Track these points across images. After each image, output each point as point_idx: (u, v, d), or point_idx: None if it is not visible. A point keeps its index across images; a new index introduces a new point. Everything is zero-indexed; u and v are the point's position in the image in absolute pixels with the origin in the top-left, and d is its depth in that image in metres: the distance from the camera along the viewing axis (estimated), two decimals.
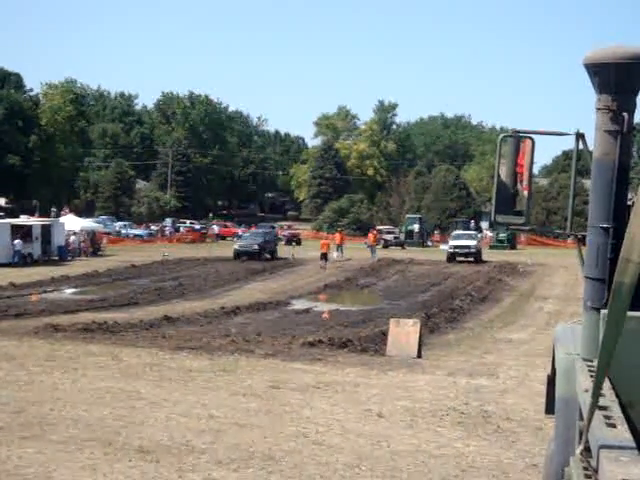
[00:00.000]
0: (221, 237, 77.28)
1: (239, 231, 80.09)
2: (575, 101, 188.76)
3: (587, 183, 5.43)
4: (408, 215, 77.98)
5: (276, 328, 23.08)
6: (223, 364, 16.23)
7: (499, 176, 5.42)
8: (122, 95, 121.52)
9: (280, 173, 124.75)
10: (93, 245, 55.24)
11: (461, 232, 59.27)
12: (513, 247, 66.23)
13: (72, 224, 55.16)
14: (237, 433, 10.77)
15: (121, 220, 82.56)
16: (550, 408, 5.60)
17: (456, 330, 24.14)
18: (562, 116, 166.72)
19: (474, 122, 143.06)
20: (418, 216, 75.75)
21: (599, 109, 4.86)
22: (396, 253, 59.17)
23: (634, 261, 2.72)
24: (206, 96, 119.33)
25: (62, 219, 57.03)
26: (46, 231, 48.36)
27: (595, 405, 3.07)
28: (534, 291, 36.57)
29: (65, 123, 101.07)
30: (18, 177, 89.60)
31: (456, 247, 52.55)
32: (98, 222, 69.66)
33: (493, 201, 5.44)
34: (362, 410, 12.36)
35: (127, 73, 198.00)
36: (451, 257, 51.90)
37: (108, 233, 67.72)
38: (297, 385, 14.22)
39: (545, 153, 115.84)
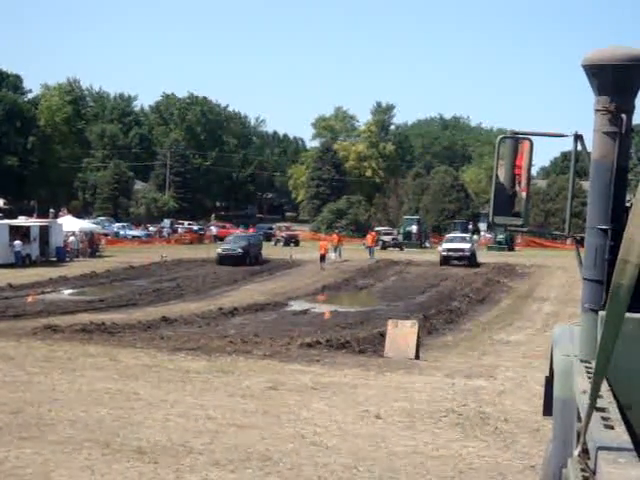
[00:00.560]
0: (219, 238, 77.14)
1: (238, 232, 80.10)
2: (574, 102, 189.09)
3: (585, 184, 5.43)
4: (406, 216, 77.96)
5: (274, 329, 23.08)
6: (221, 365, 16.23)
7: (497, 177, 5.42)
8: (121, 97, 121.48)
9: (278, 174, 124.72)
10: (91, 246, 55.20)
11: (454, 235, 56.86)
12: (511, 249, 66.20)
13: (70, 225, 55.12)
14: (235, 434, 10.77)
15: (119, 221, 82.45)
16: (548, 409, 5.60)
17: (454, 331, 24.14)
18: (561, 117, 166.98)
19: (472, 124, 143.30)
20: (416, 217, 75.73)
21: (598, 110, 4.86)
22: (394, 254, 59.16)
23: (632, 262, 2.72)
24: (204, 97, 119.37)
25: (60, 220, 56.95)
26: (44, 232, 48.33)
27: (593, 407, 3.07)
28: (532, 292, 36.58)
29: (63, 124, 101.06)
30: (16, 178, 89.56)
31: (449, 250, 50.55)
32: (96, 223, 69.61)
33: (491, 202, 5.44)
34: (360, 411, 12.36)
35: (125, 75, 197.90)
36: (444, 260, 49.71)
37: (106, 234, 67.65)
38: (295, 386, 14.22)
39: (543, 154, 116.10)
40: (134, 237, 74.24)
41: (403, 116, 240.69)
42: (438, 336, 22.96)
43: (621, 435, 2.97)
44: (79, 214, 76.62)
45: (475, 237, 73.28)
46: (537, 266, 48.62)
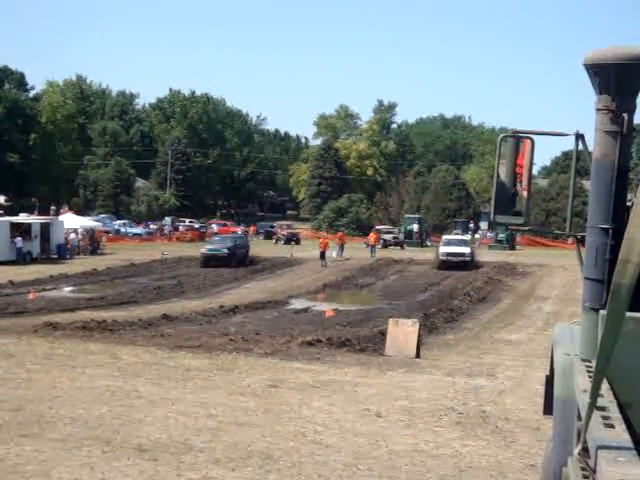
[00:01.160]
0: None
1: (238, 230, 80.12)
2: (575, 102, 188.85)
3: (587, 184, 5.43)
4: (407, 215, 77.95)
5: (275, 327, 23.09)
6: (222, 363, 16.24)
7: (499, 176, 5.42)
8: (123, 94, 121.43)
9: (279, 172, 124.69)
10: (92, 243, 55.23)
11: (452, 237, 53.21)
12: (512, 247, 66.17)
13: (71, 222, 55.16)
14: (235, 432, 10.77)
15: (120, 219, 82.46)
16: (548, 408, 5.60)
17: (455, 330, 24.15)
18: (562, 117, 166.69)
19: (474, 122, 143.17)
20: (417, 216, 75.71)
21: (599, 110, 4.86)
22: (395, 253, 59.16)
23: (633, 262, 2.72)
24: (206, 94, 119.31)
25: (61, 217, 57.01)
26: (45, 229, 48.37)
27: (593, 405, 3.07)
28: (533, 292, 36.58)
29: (65, 121, 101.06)
30: (18, 175, 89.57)
31: (449, 254, 46.96)
32: (97, 220, 69.63)
33: (493, 201, 5.44)
34: (360, 410, 12.36)
35: (127, 72, 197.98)
36: (442, 265, 46.22)
37: (107, 231, 67.68)
38: (295, 384, 14.23)
39: (545, 154, 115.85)
40: (135, 235, 74.23)
41: (405, 115, 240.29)
42: (439, 335, 22.97)
43: (621, 434, 2.97)
44: (80, 211, 76.62)
45: (477, 236, 73.34)
46: (538, 265, 48.61)
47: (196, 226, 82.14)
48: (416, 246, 67.43)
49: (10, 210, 70.03)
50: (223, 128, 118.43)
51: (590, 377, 3.73)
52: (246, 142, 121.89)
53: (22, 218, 51.92)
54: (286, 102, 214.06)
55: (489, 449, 10.45)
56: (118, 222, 78.85)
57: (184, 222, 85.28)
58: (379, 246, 61.21)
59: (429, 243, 71.09)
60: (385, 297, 33.97)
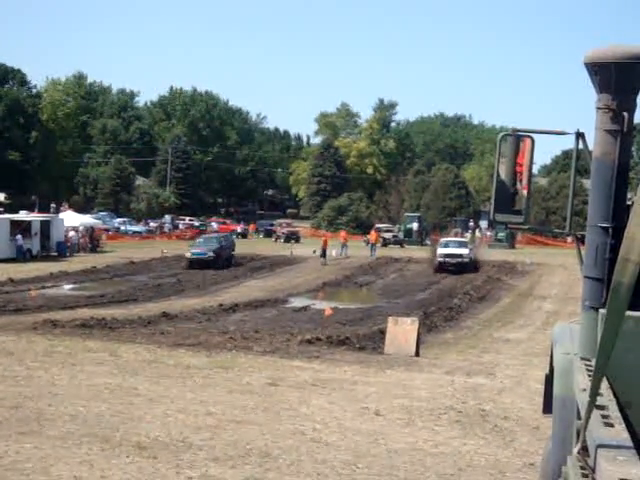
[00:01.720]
0: None
1: (238, 228, 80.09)
2: (575, 100, 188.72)
3: (587, 183, 5.43)
4: (407, 214, 77.91)
5: (274, 325, 23.10)
6: (221, 361, 16.24)
7: (499, 175, 5.42)
8: (122, 92, 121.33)
9: (280, 170, 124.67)
10: (92, 241, 55.23)
11: (450, 239, 50.47)
12: (512, 246, 66.14)
13: (71, 220, 55.15)
14: (235, 430, 10.77)
15: (120, 216, 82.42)
16: (548, 407, 5.60)
17: (454, 329, 24.16)
18: (562, 115, 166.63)
19: (474, 121, 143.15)
20: (417, 215, 75.67)
21: (599, 108, 4.86)
22: (395, 251, 59.15)
23: (633, 261, 2.72)
24: (207, 92, 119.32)
25: (61, 215, 56.99)
26: (45, 227, 48.37)
27: (593, 404, 3.07)
28: (533, 290, 36.59)
29: (66, 119, 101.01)
30: (18, 173, 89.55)
31: (446, 256, 44.32)
32: (97, 218, 69.57)
33: (492, 200, 5.44)
34: (359, 408, 12.37)
35: (128, 70, 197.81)
36: (439, 267, 43.83)
37: (107, 229, 67.66)
38: (295, 382, 14.23)
39: (545, 152, 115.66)
40: (135, 233, 74.21)
41: (405, 113, 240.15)
42: (438, 333, 22.98)
43: (621, 433, 2.97)
44: (80, 209, 76.58)
45: (478, 234, 73.27)
46: (538, 264, 48.58)
47: (196, 224, 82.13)
48: (416, 245, 67.40)
49: (10, 208, 70.05)
50: (223, 126, 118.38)
51: (590, 376, 3.72)
52: (246, 140, 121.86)
53: (22, 216, 51.88)
54: (286, 100, 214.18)
55: (488, 448, 10.45)
56: (118, 220, 78.80)
57: (184, 220, 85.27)
58: (379, 245, 61.21)
59: (429, 242, 71.06)
60: (385, 296, 33.98)
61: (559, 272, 43.57)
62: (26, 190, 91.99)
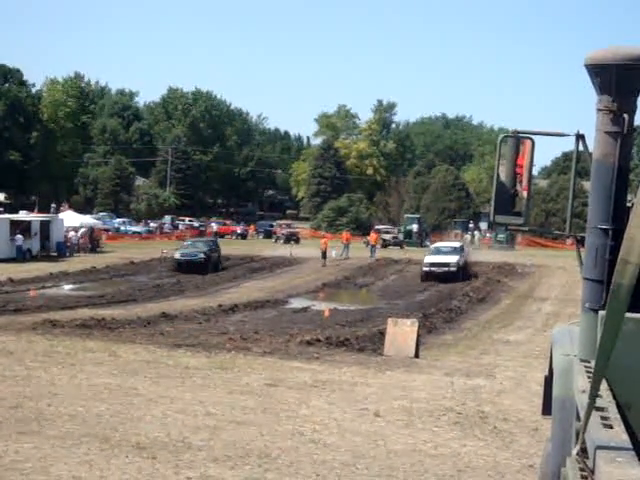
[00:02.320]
0: (220, 235, 77.27)
1: (238, 229, 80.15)
2: (575, 102, 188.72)
3: (587, 184, 5.43)
4: (407, 215, 77.97)
5: (274, 326, 23.10)
6: (220, 362, 16.23)
7: (499, 176, 5.42)
8: (122, 92, 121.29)
9: (280, 171, 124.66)
10: (92, 241, 55.24)
11: (442, 244, 47.03)
12: (512, 248, 66.14)
13: (71, 220, 55.16)
14: (234, 430, 10.77)
15: (120, 217, 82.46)
16: (547, 409, 5.60)
17: (454, 330, 24.16)
18: (562, 117, 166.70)
19: (474, 123, 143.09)
20: (417, 216, 75.73)
21: (599, 110, 4.86)
22: (395, 253, 59.15)
23: (633, 262, 2.72)
24: (207, 92, 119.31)
25: (61, 215, 57.01)
26: (45, 227, 48.39)
27: (592, 406, 3.07)
28: (532, 292, 36.59)
29: (66, 119, 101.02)
30: (18, 173, 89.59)
31: (432, 265, 40.43)
32: (97, 218, 69.62)
33: (492, 201, 5.44)
34: (359, 409, 12.36)
35: (127, 70, 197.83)
36: (425, 277, 40.12)
37: (107, 230, 67.69)
38: (294, 383, 14.23)
39: (545, 154, 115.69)
40: (135, 233, 74.25)
41: (405, 114, 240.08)
42: (438, 335, 22.98)
43: (620, 434, 2.97)
44: (80, 209, 76.60)
45: (477, 235, 73.29)
46: (537, 266, 48.57)
47: (196, 225, 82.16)
48: (415, 246, 67.40)
49: (10, 208, 70.10)
50: (223, 127, 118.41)
51: (589, 377, 3.72)
52: (246, 141, 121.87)
53: (22, 216, 51.94)
54: (286, 101, 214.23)
55: (487, 449, 10.45)
56: (118, 220, 78.87)
57: (184, 221, 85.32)
58: (379, 246, 61.21)
59: (429, 243, 71.07)
60: (384, 297, 33.99)
61: (559, 274, 43.55)
62: (26, 190, 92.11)
